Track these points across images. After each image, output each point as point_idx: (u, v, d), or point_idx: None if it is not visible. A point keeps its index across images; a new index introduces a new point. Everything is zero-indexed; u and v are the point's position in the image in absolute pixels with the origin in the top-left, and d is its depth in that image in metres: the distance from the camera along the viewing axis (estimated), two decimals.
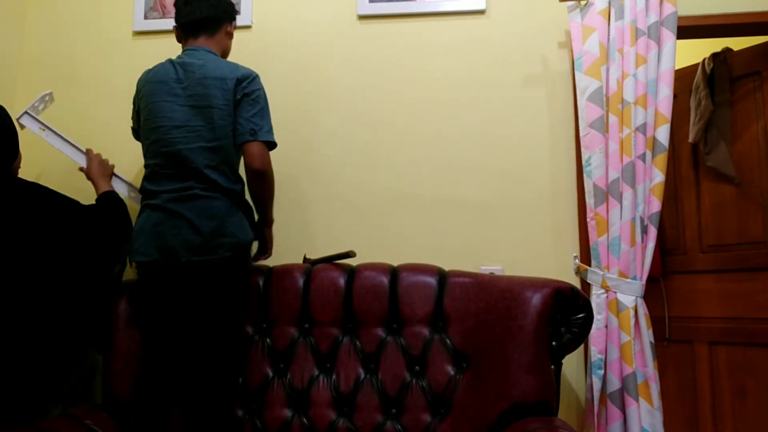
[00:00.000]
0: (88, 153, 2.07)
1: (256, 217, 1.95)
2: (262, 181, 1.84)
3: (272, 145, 1.86)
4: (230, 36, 2.01)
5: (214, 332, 1.75)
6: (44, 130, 2.07)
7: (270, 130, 1.85)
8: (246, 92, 1.82)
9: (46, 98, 2.14)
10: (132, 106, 2.00)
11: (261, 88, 1.87)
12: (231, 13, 2.00)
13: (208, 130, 1.79)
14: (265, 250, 2.04)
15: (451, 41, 2.35)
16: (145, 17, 2.47)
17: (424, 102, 2.33)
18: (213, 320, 1.74)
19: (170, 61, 1.90)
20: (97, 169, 2.02)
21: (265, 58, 2.39)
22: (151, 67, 1.95)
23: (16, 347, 1.67)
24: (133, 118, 2.01)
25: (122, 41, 2.48)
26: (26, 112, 2.06)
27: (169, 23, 2.45)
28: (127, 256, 1.92)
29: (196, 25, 1.92)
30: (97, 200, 1.94)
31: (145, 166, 1.87)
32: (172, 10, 2.46)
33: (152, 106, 1.84)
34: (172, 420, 1.77)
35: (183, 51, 1.93)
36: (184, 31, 1.95)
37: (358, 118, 2.34)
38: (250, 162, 1.81)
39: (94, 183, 2.00)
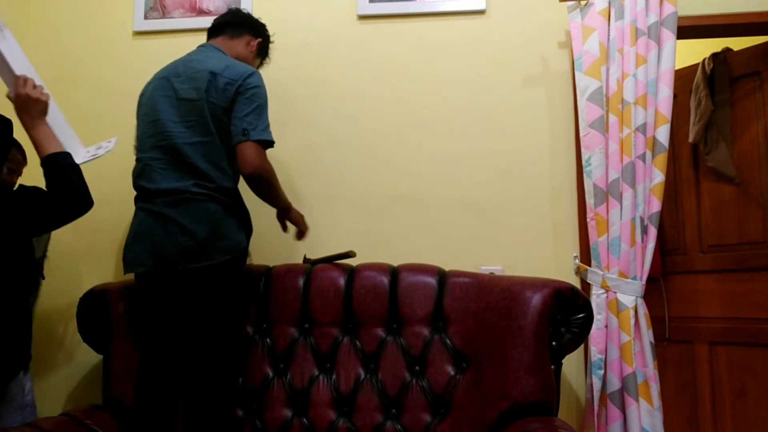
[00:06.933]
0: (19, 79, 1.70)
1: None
2: (259, 183, 1.77)
3: (268, 143, 1.77)
4: (251, 49, 1.99)
5: (210, 335, 1.73)
6: None
7: (265, 129, 1.76)
8: (240, 90, 1.75)
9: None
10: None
11: (259, 85, 1.79)
12: (258, 31, 2.02)
13: (200, 124, 1.75)
14: (303, 232, 2.01)
15: (451, 41, 2.35)
16: (145, 17, 2.47)
17: (424, 102, 2.33)
18: (209, 324, 1.73)
19: (179, 59, 1.90)
20: (29, 104, 1.68)
21: None
22: (151, 66, 1.95)
23: None
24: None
25: (122, 41, 2.48)
26: None
27: (169, 23, 2.46)
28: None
29: (219, 26, 1.96)
30: (45, 169, 1.65)
31: (138, 160, 1.82)
32: (173, 10, 2.47)
33: (152, 101, 1.82)
34: (174, 422, 1.77)
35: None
36: (209, 32, 1.98)
37: (358, 118, 2.34)
38: (242, 166, 1.72)
39: (27, 128, 1.68)
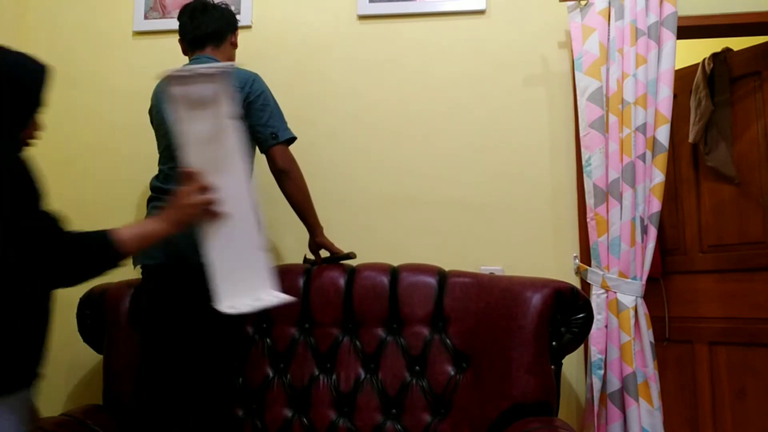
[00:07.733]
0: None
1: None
2: (289, 179, 1.89)
3: (293, 139, 1.90)
4: (235, 46, 2.02)
5: (212, 333, 1.73)
6: None
7: (287, 128, 1.90)
8: (250, 99, 1.84)
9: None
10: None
11: (264, 90, 1.88)
12: (234, 23, 2.01)
13: None
14: (347, 255, 2.04)
15: (451, 41, 2.35)
16: (145, 17, 2.47)
17: (424, 102, 2.32)
18: (212, 321, 1.72)
19: None
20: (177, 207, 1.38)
21: (265, 59, 2.38)
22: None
23: None
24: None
25: (122, 41, 2.48)
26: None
27: (169, 23, 2.45)
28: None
29: (203, 39, 1.94)
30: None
31: (159, 171, 1.87)
32: (173, 10, 2.46)
33: (159, 116, 1.88)
34: (174, 422, 1.77)
35: (189, 61, 1.94)
36: (191, 45, 1.96)
37: (358, 118, 2.34)
38: (273, 164, 1.87)
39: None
